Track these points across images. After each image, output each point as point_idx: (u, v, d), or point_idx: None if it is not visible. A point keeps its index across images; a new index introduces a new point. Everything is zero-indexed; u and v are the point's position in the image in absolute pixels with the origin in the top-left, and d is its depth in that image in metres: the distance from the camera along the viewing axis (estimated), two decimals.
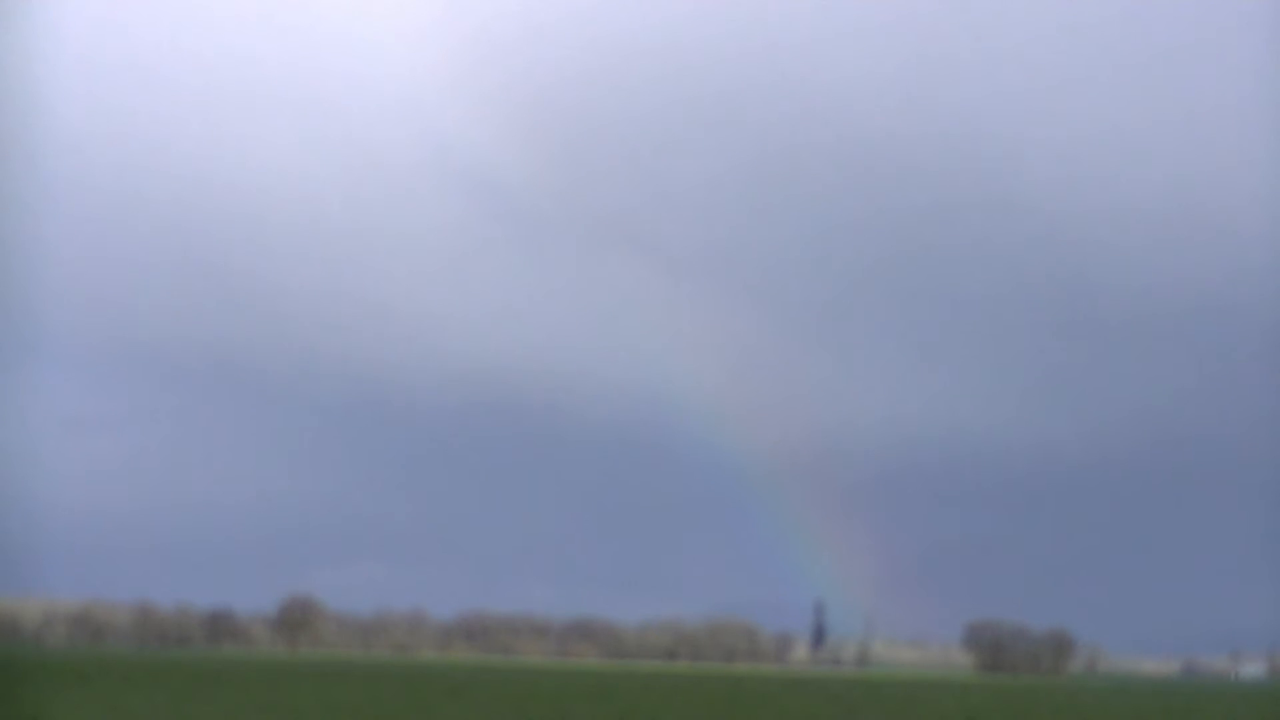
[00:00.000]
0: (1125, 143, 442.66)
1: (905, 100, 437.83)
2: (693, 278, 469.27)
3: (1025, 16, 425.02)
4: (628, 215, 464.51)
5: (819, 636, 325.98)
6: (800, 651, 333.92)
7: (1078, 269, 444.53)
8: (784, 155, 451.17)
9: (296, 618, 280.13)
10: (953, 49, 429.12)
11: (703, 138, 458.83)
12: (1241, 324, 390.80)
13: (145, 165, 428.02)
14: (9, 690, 67.16)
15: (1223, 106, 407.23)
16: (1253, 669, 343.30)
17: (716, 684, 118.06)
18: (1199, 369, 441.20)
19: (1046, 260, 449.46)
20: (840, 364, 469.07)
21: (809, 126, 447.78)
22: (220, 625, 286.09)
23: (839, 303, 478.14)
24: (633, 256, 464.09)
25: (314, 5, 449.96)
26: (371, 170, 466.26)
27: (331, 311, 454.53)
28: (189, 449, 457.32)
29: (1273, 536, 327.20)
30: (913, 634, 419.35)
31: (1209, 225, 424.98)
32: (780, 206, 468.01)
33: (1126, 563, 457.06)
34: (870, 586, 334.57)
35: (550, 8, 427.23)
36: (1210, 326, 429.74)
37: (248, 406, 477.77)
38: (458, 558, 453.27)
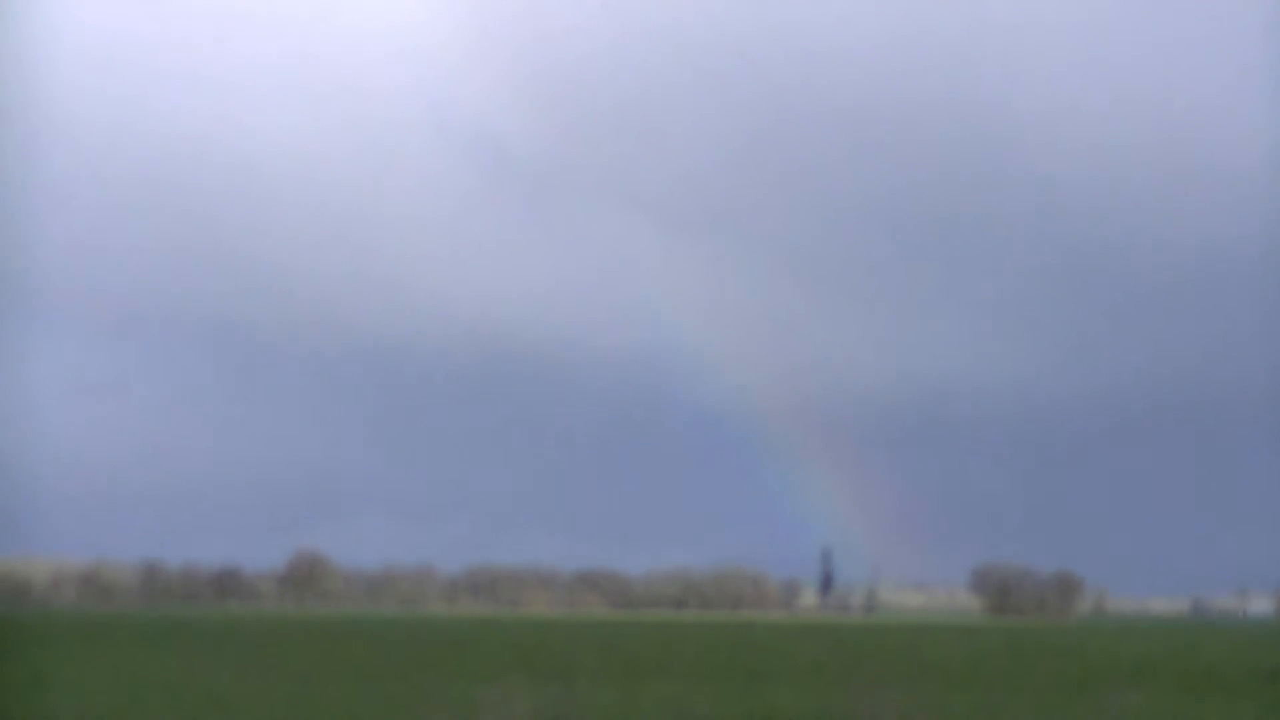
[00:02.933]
0: (1139, 106, 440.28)
1: (909, 65, 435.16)
2: (690, 228, 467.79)
3: None
4: (624, 165, 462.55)
5: (826, 583, 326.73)
6: (808, 598, 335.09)
7: (1088, 229, 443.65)
8: (785, 116, 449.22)
9: (304, 574, 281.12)
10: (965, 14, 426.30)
11: (700, 88, 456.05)
12: (1247, 276, 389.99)
13: (147, 139, 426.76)
14: (17, 650, 67.16)
15: (1236, 68, 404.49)
16: (1261, 607, 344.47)
17: (725, 632, 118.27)
18: (1204, 316, 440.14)
19: (1055, 218, 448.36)
20: (843, 315, 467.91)
21: (811, 88, 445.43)
22: (228, 583, 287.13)
23: (841, 258, 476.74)
24: (632, 213, 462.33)
25: None
26: (368, 128, 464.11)
27: (331, 271, 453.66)
28: (193, 408, 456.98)
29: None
30: (919, 579, 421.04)
31: (1219, 184, 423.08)
32: (782, 166, 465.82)
33: (1132, 503, 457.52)
34: (876, 532, 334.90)
35: None
36: (1215, 278, 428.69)
37: (250, 365, 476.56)
38: (464, 511, 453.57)
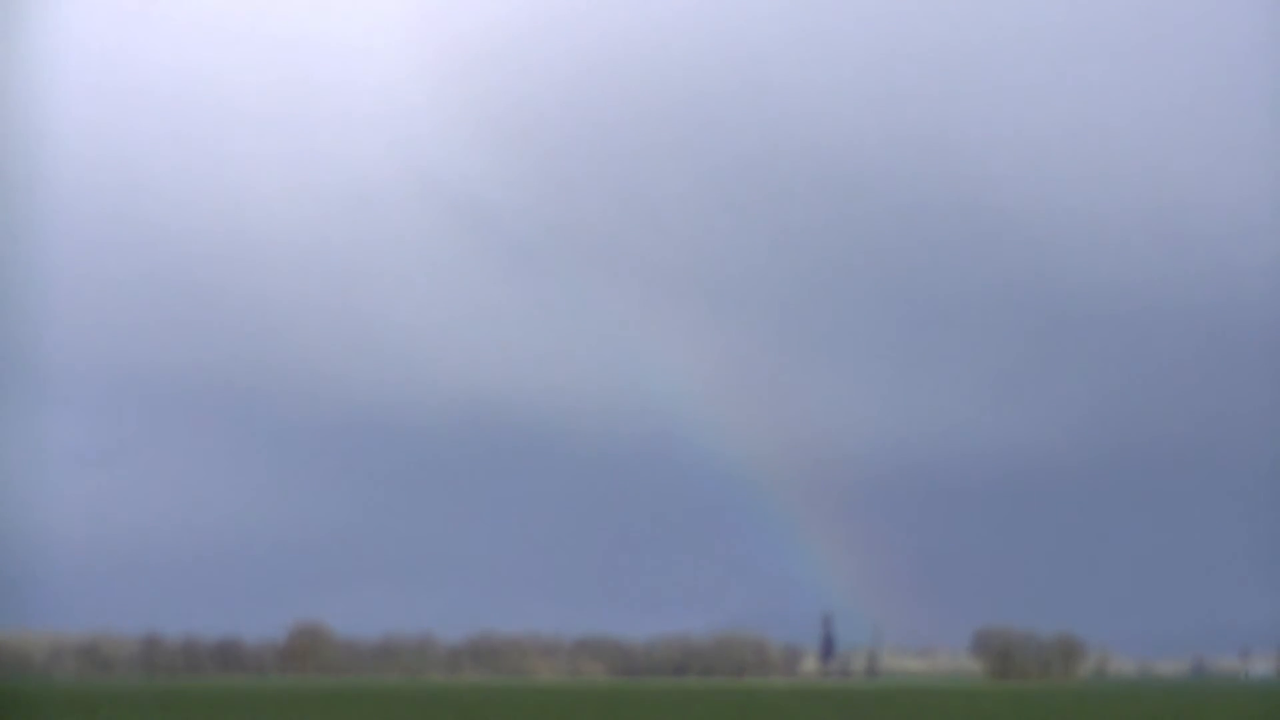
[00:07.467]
0: (1096, 142, 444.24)
1: (878, 102, 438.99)
2: (677, 290, 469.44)
3: (997, 13, 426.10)
4: (608, 228, 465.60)
5: (827, 648, 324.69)
6: (809, 663, 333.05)
7: (1069, 269, 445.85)
8: (761, 164, 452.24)
9: (304, 645, 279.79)
10: (924, 48, 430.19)
11: (680, 148, 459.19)
12: (1228, 319, 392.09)
13: (144, 211, 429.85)
14: None
15: (1198, 104, 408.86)
16: (1263, 667, 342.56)
17: (727, 697, 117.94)
18: (1197, 365, 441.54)
19: (1038, 261, 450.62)
20: (830, 371, 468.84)
21: (787, 133, 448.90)
22: (229, 654, 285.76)
23: (824, 308, 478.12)
24: (622, 276, 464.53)
25: (291, 24, 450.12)
26: (353, 192, 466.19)
27: (327, 336, 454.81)
28: (191, 479, 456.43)
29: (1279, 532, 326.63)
30: (921, 643, 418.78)
31: (1181, 224, 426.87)
32: (758, 215, 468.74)
33: (1133, 564, 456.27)
34: (877, 596, 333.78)
35: (525, 20, 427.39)
36: (1202, 323, 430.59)
37: (249, 435, 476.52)
38: (464, 580, 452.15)
